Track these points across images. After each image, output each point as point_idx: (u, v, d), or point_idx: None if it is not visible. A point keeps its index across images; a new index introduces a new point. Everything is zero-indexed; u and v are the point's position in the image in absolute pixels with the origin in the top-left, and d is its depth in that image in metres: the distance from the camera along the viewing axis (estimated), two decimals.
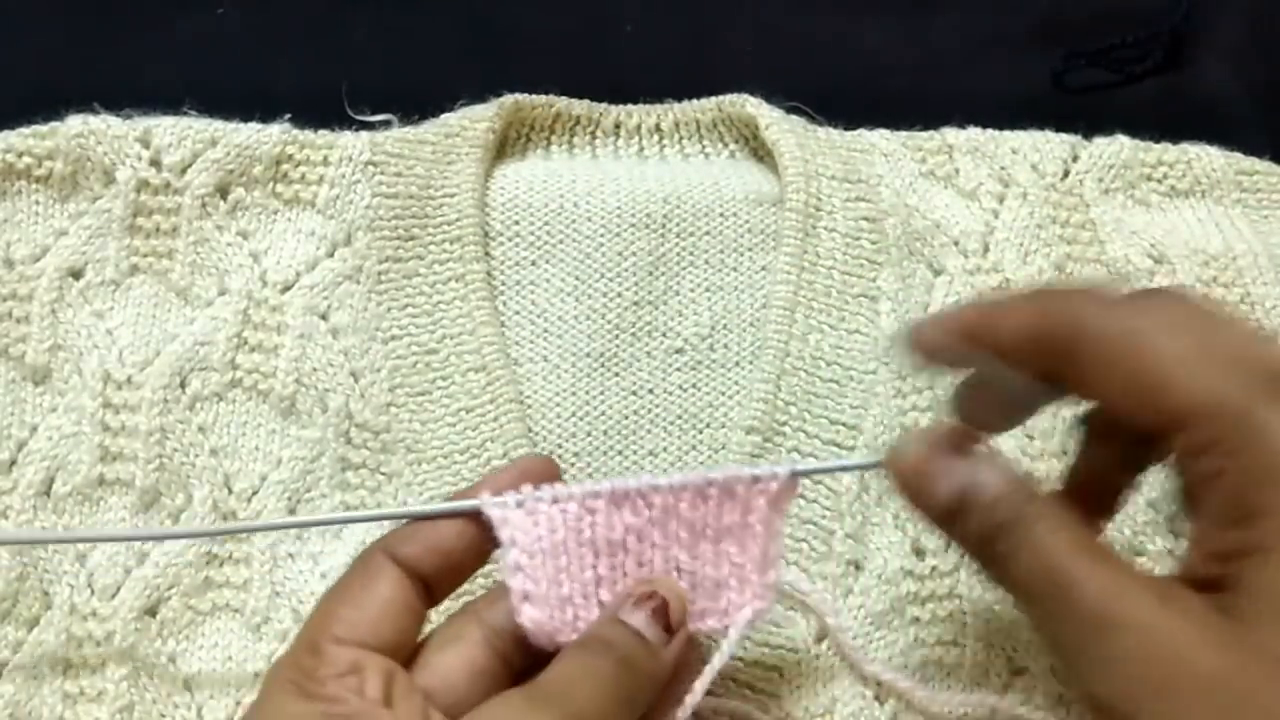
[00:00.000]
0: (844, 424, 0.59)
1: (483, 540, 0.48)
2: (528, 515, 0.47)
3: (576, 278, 0.62)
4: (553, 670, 0.45)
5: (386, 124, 0.65)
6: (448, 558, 0.47)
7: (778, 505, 0.48)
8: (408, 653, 0.46)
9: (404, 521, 0.48)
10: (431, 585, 0.47)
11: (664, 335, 0.62)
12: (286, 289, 0.61)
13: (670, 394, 0.60)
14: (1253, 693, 0.37)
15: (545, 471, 0.48)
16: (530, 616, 0.46)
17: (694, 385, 0.61)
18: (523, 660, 0.46)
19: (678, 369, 0.61)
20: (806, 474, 0.48)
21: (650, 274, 0.62)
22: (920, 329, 0.46)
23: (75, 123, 0.62)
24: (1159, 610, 0.39)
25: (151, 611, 0.55)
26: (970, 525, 0.43)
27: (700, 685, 0.47)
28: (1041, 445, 0.58)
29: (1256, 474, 0.38)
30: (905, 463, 0.45)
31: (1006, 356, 0.43)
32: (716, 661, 0.47)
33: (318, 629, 0.45)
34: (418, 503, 0.56)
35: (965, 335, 0.44)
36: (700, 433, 0.60)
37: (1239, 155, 0.67)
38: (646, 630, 0.46)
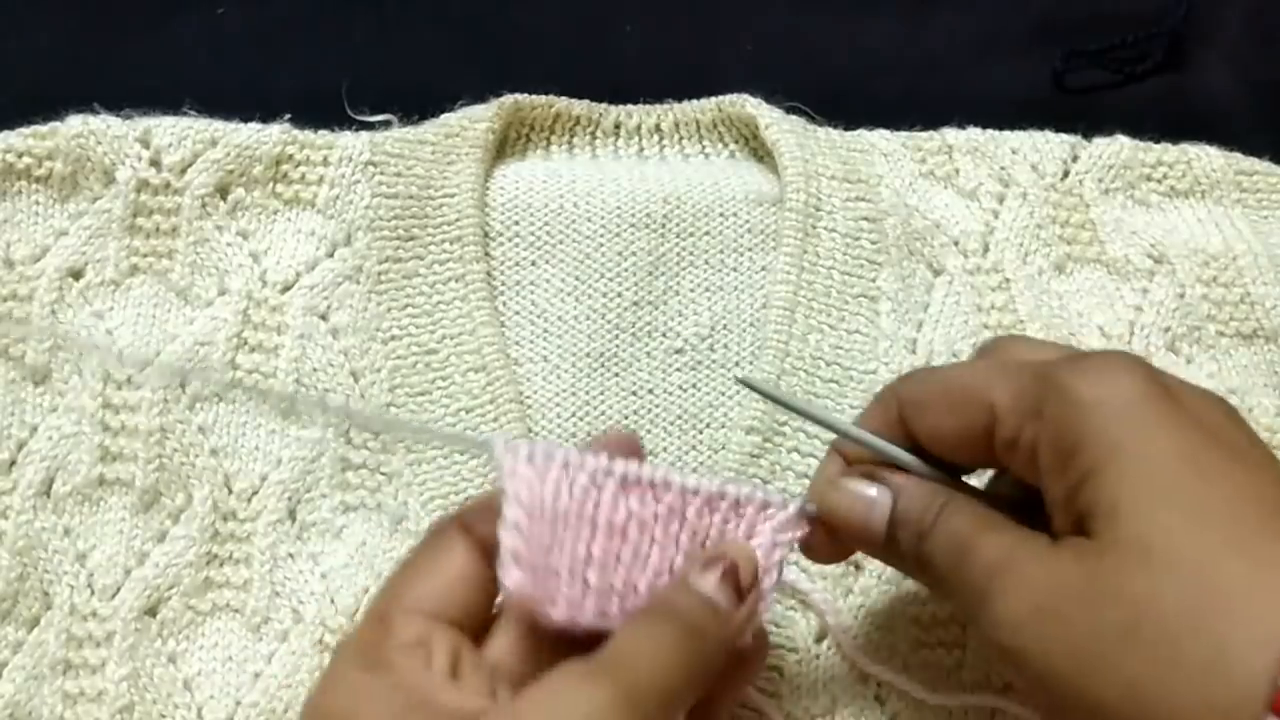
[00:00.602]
0: None
1: None
2: (537, 474, 0.45)
3: (576, 278, 0.62)
4: (616, 638, 0.43)
5: (386, 124, 0.65)
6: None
7: (779, 536, 0.47)
8: (478, 626, 0.45)
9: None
10: None
11: (664, 335, 0.62)
12: (286, 289, 0.61)
13: (670, 394, 0.61)
14: (1115, 583, 0.40)
15: (629, 445, 0.48)
16: (514, 578, 0.44)
17: (694, 385, 0.61)
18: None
19: (677, 369, 0.61)
20: (814, 515, 0.48)
21: (650, 274, 0.62)
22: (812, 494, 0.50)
23: (75, 123, 0.62)
24: (1038, 550, 0.43)
25: (151, 612, 0.55)
26: (904, 541, 0.46)
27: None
28: None
29: (1067, 418, 0.43)
30: (838, 512, 0.48)
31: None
32: None
33: (388, 600, 0.44)
34: (418, 503, 0.56)
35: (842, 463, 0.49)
36: (700, 433, 0.60)
37: (1239, 155, 0.67)
38: (716, 594, 0.44)
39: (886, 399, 0.49)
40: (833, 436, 0.50)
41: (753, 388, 0.52)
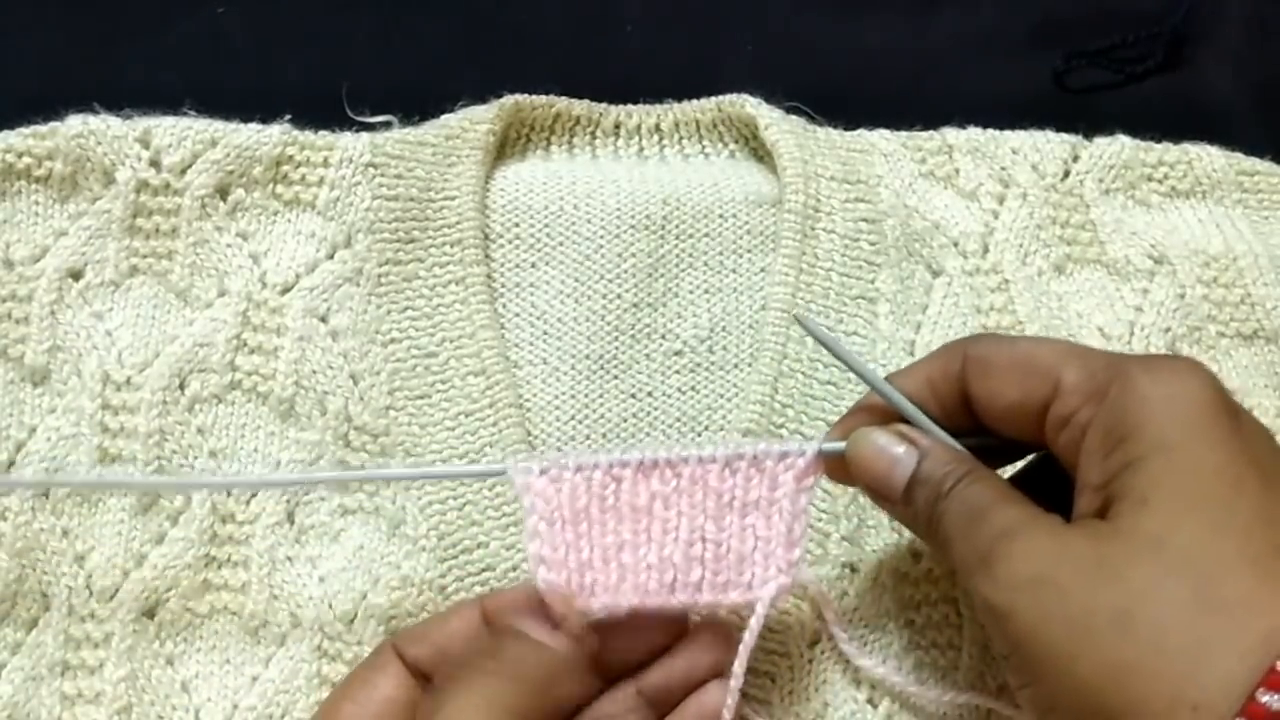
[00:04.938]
0: None
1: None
2: (551, 482, 0.48)
3: (576, 280, 0.62)
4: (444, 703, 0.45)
5: (387, 125, 0.65)
6: (456, 659, 0.48)
7: (803, 482, 0.49)
8: None
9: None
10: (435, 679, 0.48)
11: (663, 337, 0.62)
12: (286, 291, 0.61)
13: (669, 396, 0.61)
14: (1122, 567, 0.41)
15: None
16: (545, 579, 0.47)
17: (692, 388, 0.61)
18: None
19: (676, 371, 0.61)
20: (834, 452, 0.50)
21: (649, 276, 0.62)
22: (839, 432, 0.51)
23: (75, 123, 0.62)
24: (1051, 524, 0.44)
25: (150, 613, 0.55)
26: (920, 499, 0.47)
27: (739, 665, 0.47)
28: None
29: (1128, 406, 0.44)
30: (862, 463, 0.49)
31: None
32: (748, 638, 0.48)
33: None
34: (416, 507, 0.56)
35: (874, 414, 0.51)
36: (699, 435, 0.60)
37: (1240, 155, 0.67)
38: (532, 631, 0.47)
39: (953, 352, 0.50)
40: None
41: (805, 326, 0.54)
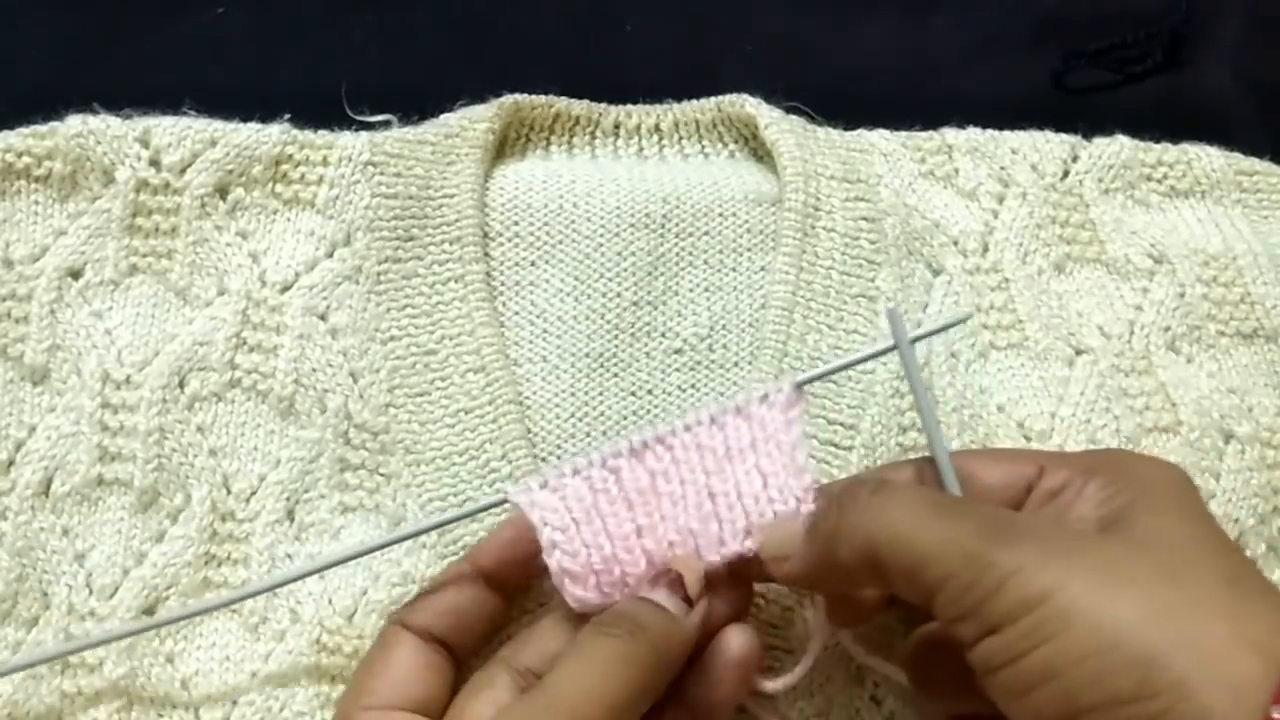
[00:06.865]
0: (842, 424, 0.58)
1: (494, 599, 0.50)
2: (553, 493, 0.48)
3: (576, 278, 0.62)
4: (557, 664, 0.45)
5: (386, 124, 0.65)
6: (459, 618, 0.49)
7: (789, 414, 0.49)
8: (442, 707, 0.47)
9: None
10: (452, 647, 0.49)
11: (663, 336, 0.62)
12: (286, 289, 0.61)
13: (669, 394, 0.61)
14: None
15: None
16: (574, 595, 0.47)
17: (693, 386, 0.61)
18: None
19: (676, 369, 0.61)
20: (810, 380, 0.51)
21: (649, 274, 0.62)
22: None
23: (75, 123, 0.62)
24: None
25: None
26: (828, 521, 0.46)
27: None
28: None
29: (1123, 463, 0.47)
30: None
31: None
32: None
33: (347, 705, 0.48)
34: (417, 505, 0.56)
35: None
36: None
37: (1239, 155, 0.68)
38: (665, 601, 0.46)
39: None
40: None
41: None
